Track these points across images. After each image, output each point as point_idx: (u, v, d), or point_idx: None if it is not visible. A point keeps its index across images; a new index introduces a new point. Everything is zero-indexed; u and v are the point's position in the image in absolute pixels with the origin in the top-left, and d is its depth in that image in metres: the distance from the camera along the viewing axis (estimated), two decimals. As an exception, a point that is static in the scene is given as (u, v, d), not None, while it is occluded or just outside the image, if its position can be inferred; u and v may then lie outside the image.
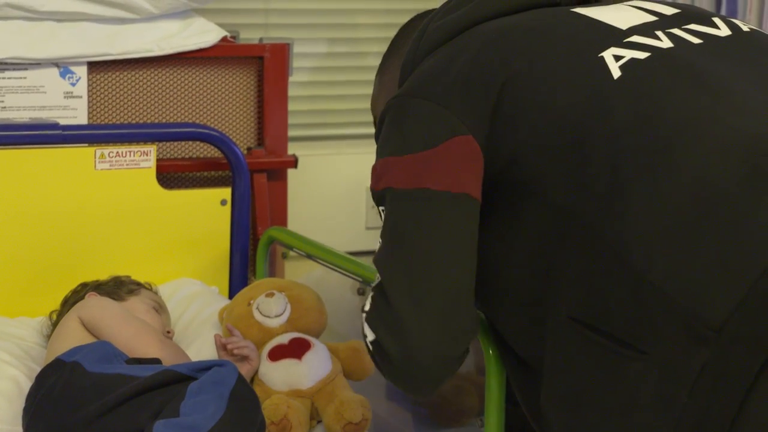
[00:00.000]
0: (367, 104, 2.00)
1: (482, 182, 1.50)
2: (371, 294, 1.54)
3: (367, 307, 1.54)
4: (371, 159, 1.70)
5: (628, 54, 1.47)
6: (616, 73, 1.45)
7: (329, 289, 2.42)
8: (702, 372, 1.29)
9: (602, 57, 1.47)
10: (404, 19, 1.90)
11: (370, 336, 1.52)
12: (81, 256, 2.35)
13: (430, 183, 1.49)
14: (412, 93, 1.55)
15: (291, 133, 2.72)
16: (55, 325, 2.11)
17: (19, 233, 2.31)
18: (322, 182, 3.09)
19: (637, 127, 1.39)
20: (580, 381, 1.40)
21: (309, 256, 2.32)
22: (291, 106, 2.69)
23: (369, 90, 1.97)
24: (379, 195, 1.57)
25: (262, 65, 2.62)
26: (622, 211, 1.35)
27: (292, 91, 2.69)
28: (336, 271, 2.22)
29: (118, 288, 2.17)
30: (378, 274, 1.53)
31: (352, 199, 3.14)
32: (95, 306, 2.05)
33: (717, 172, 1.32)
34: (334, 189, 3.11)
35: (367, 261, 2.14)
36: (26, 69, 2.42)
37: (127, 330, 1.98)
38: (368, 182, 3.07)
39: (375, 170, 1.58)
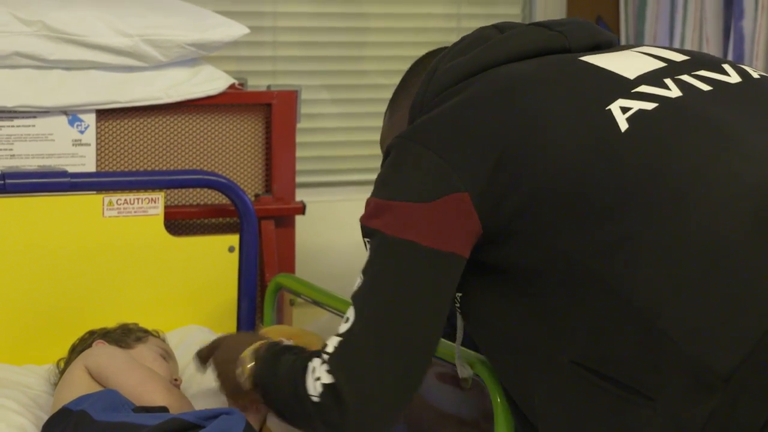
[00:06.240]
0: (375, 150, 2.00)
1: (487, 235, 1.49)
2: (338, 339, 1.50)
3: (329, 349, 1.50)
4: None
5: (636, 105, 1.47)
6: (623, 126, 1.44)
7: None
8: (709, 420, 1.29)
9: (609, 110, 1.47)
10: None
11: (328, 379, 1.47)
12: (89, 304, 2.35)
13: (419, 237, 1.49)
14: (416, 138, 1.55)
15: (299, 179, 2.72)
16: (62, 372, 2.11)
17: (27, 281, 2.31)
18: (330, 229, 3.09)
19: (645, 179, 1.39)
20: (583, 426, 1.40)
21: (317, 303, 2.31)
22: (298, 153, 2.69)
23: (376, 136, 1.97)
24: (368, 231, 1.57)
25: (270, 112, 2.62)
26: (628, 259, 1.36)
27: (299, 138, 2.70)
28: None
29: (125, 335, 2.16)
30: (348, 318, 1.50)
31: (359, 245, 3.13)
32: (102, 354, 2.04)
33: (725, 223, 1.32)
34: (342, 235, 3.11)
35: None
36: (35, 117, 2.42)
37: (134, 378, 1.97)
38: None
39: (368, 206, 1.58)
